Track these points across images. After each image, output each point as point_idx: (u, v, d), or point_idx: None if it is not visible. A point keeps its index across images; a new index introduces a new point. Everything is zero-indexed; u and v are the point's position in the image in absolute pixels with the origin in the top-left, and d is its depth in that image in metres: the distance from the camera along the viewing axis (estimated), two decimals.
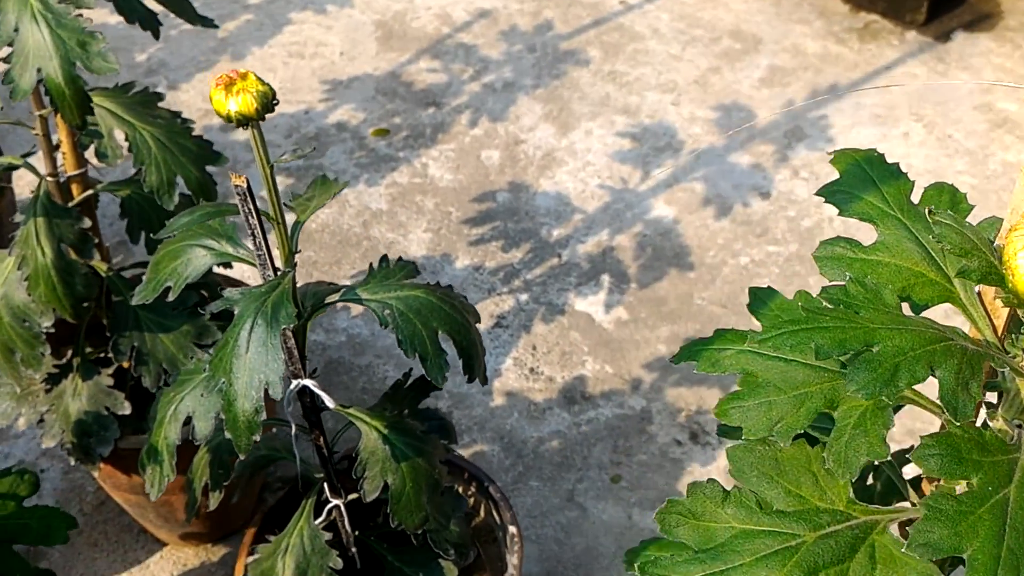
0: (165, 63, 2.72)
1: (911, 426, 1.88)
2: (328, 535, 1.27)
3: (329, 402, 1.17)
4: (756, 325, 2.03)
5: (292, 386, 1.17)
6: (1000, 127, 2.47)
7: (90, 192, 1.49)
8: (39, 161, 1.47)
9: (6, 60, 1.21)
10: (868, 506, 0.67)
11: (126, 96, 1.41)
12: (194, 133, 1.45)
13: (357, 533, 1.37)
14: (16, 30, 1.18)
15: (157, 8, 1.39)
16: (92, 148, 1.44)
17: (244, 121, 0.95)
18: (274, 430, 1.46)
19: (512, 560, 1.45)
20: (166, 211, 1.45)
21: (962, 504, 0.60)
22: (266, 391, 1.02)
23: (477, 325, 1.21)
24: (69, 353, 1.59)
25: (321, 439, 1.25)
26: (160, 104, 1.47)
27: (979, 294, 0.70)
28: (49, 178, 1.46)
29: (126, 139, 1.39)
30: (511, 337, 2.09)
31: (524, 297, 2.16)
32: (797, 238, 2.25)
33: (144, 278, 1.15)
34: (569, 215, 2.31)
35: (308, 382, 1.17)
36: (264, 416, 1.03)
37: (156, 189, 1.37)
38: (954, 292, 0.69)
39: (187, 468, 1.32)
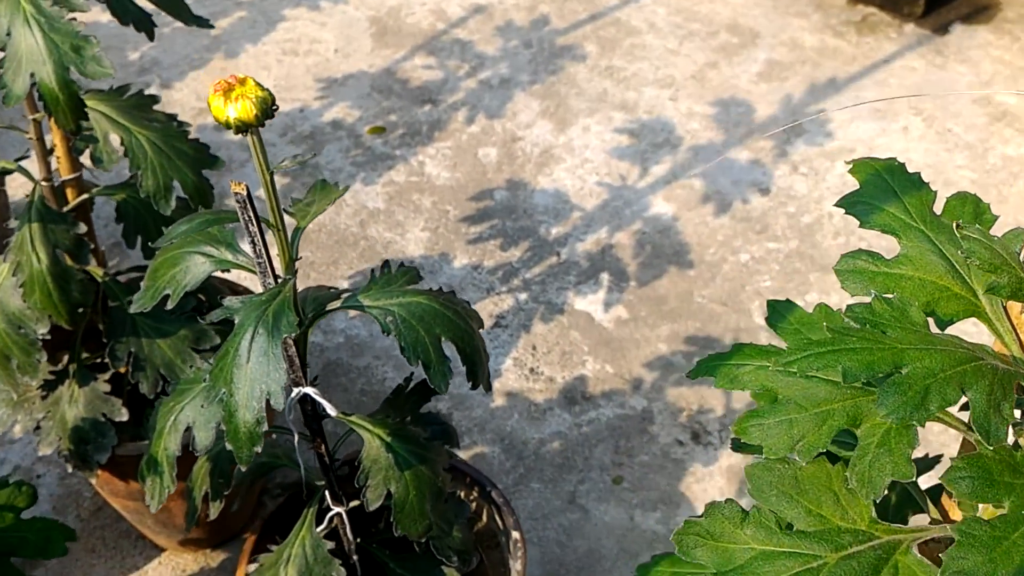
0: (158, 61, 2.69)
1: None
2: (330, 544, 1.26)
3: (331, 410, 1.16)
4: (751, 325, 2.02)
5: (293, 394, 1.15)
6: (1000, 120, 2.46)
7: (85, 196, 1.47)
8: (33, 165, 1.45)
9: None
10: (891, 525, 0.66)
11: (121, 99, 1.39)
12: (184, 124, 1.43)
13: (359, 540, 1.36)
14: (8, 34, 1.16)
15: (150, 7, 1.37)
16: (87, 152, 1.42)
17: (243, 128, 0.93)
18: (274, 436, 1.44)
19: (515, 566, 1.43)
20: (162, 215, 1.43)
21: (995, 529, 0.59)
22: (267, 401, 1.00)
23: (480, 330, 1.20)
24: (65, 359, 1.57)
25: (323, 447, 1.24)
26: (154, 105, 1.45)
27: (1005, 308, 0.69)
28: (43, 182, 1.44)
29: (121, 143, 1.37)
30: (510, 337, 2.07)
31: (523, 296, 2.14)
32: (797, 234, 2.23)
33: (142, 285, 1.13)
34: (568, 213, 2.29)
35: (309, 390, 1.16)
36: (266, 426, 1.01)
37: (153, 194, 1.35)
38: (980, 306, 0.67)
39: (186, 475, 1.30)
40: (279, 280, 1.06)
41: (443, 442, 1.38)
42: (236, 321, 1.01)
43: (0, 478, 1.26)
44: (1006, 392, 0.59)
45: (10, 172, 1.40)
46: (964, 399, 0.61)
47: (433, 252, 2.23)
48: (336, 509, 1.29)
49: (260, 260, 1.03)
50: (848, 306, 0.67)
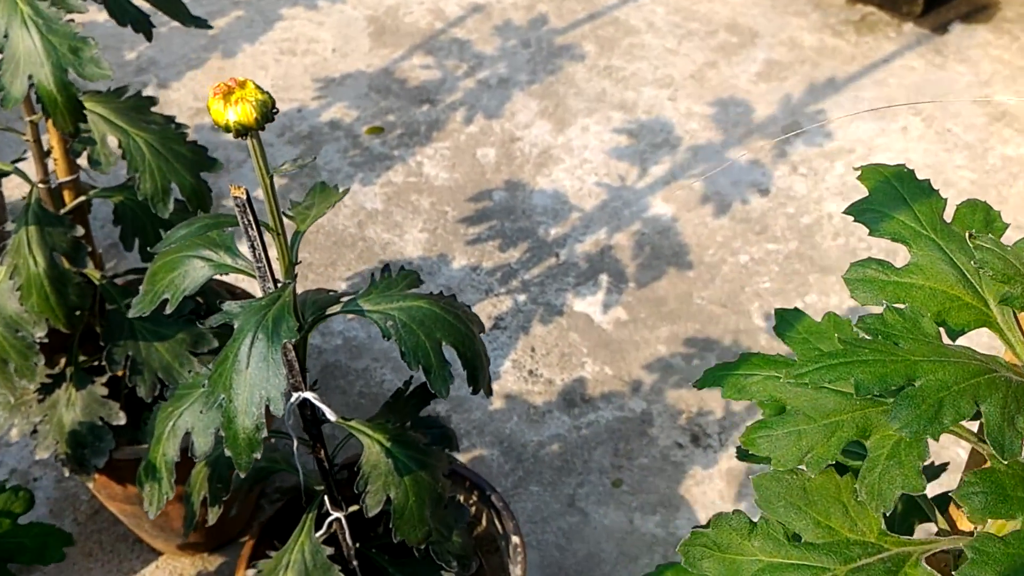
0: (155, 61, 2.68)
1: None
2: (329, 549, 1.25)
3: (331, 415, 1.15)
4: (750, 326, 2.01)
5: (293, 399, 1.14)
6: (999, 120, 2.45)
7: (83, 199, 1.46)
8: (30, 167, 1.44)
9: None
10: (900, 537, 0.65)
11: (119, 101, 1.38)
12: (182, 126, 1.42)
13: (358, 545, 1.35)
14: (6, 36, 1.15)
15: (147, 7, 1.36)
16: (84, 154, 1.41)
17: (243, 131, 0.92)
18: (272, 440, 1.43)
19: (515, 571, 1.43)
20: (160, 218, 1.42)
21: (1009, 546, 0.58)
22: (267, 407, 1.00)
23: (481, 335, 1.19)
24: (63, 362, 1.56)
25: (322, 452, 1.23)
26: (152, 106, 1.44)
27: (1017, 318, 0.68)
28: (40, 185, 1.43)
29: (119, 145, 1.36)
30: (509, 339, 2.06)
31: (522, 298, 2.13)
32: (796, 235, 2.22)
33: (140, 289, 1.13)
34: (566, 214, 2.28)
35: (309, 395, 1.15)
36: (265, 433, 1.00)
37: (151, 197, 1.34)
38: (991, 316, 0.67)
39: (185, 480, 1.30)
40: (279, 284, 1.05)
41: (442, 446, 1.37)
42: (235, 326, 1.00)
43: None
44: (1020, 405, 0.59)
45: (7, 174, 1.39)
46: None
47: (431, 253, 2.22)
48: (335, 514, 1.29)
49: (259, 264, 1.02)
50: (860, 317, 0.66)
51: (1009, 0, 2.79)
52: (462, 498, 1.52)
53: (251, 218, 0.96)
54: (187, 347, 1.47)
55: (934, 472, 0.89)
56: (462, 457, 1.88)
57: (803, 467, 0.66)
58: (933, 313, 0.67)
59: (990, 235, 0.66)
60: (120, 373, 1.52)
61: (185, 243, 1.10)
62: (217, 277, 1.80)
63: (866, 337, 0.64)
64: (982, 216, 0.71)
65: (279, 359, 0.98)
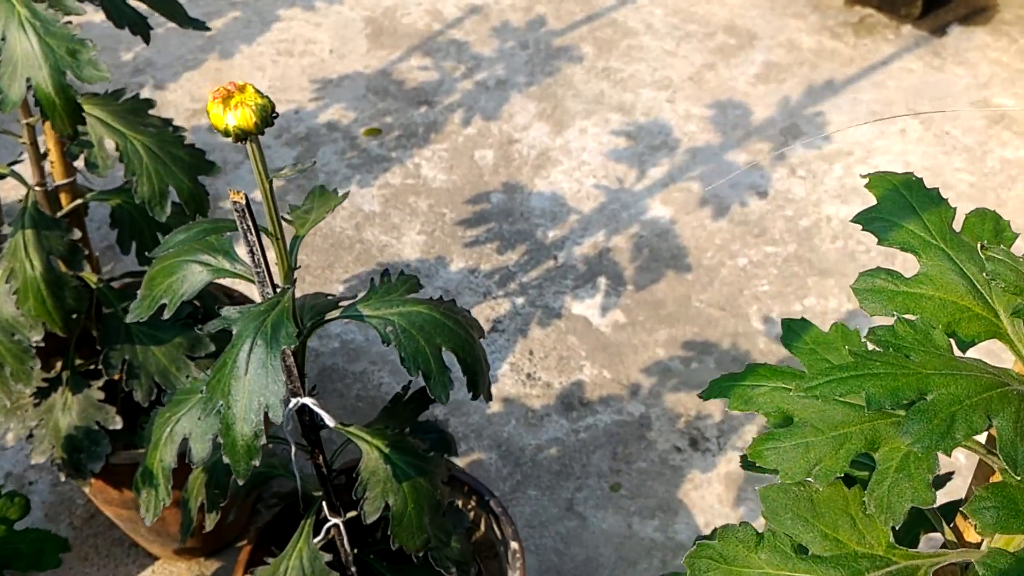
0: (152, 62, 2.67)
1: None
2: (327, 556, 1.24)
3: (329, 421, 1.14)
4: (749, 329, 2.00)
5: (291, 405, 1.13)
6: (998, 123, 2.45)
7: (79, 202, 1.45)
8: (26, 170, 1.43)
9: None
10: (909, 551, 0.65)
11: (116, 104, 1.37)
12: (180, 129, 1.41)
13: (356, 551, 1.34)
14: (3, 39, 1.14)
15: (144, 9, 1.35)
16: (81, 158, 1.40)
17: (243, 136, 0.91)
18: (270, 446, 1.43)
19: None
20: (158, 221, 1.41)
21: (1021, 562, 0.57)
22: (265, 414, 0.99)
23: (481, 340, 1.18)
24: (59, 365, 1.55)
25: (321, 458, 1.22)
26: (150, 109, 1.44)
27: None
28: (37, 187, 1.42)
29: (116, 148, 1.35)
30: (507, 342, 2.06)
31: (520, 300, 2.12)
32: (795, 238, 2.22)
33: (138, 294, 1.12)
34: (564, 216, 2.28)
35: (308, 400, 1.14)
36: (264, 440, 0.99)
37: (148, 200, 1.33)
38: (1001, 327, 0.66)
39: (182, 484, 1.29)
40: (278, 290, 1.04)
41: (441, 451, 1.37)
42: (234, 332, 0.99)
43: None
44: None
45: (3, 177, 1.38)
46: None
47: (429, 255, 2.21)
48: (334, 520, 1.28)
49: (259, 270, 1.01)
50: (870, 329, 0.65)
51: (1007, 2, 2.78)
52: (460, 503, 1.51)
53: (250, 223, 0.96)
54: (184, 351, 1.46)
55: (940, 481, 0.88)
56: (460, 461, 1.87)
57: (812, 480, 0.65)
58: (943, 324, 0.66)
59: (1002, 246, 0.65)
60: (117, 377, 1.51)
61: (183, 248, 1.09)
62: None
63: (877, 349, 0.63)
64: (991, 225, 0.70)
65: (278, 365, 0.98)
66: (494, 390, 1.98)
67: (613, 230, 2.25)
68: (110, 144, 1.37)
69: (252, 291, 1.85)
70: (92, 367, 1.56)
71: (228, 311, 1.01)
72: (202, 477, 1.23)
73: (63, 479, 1.51)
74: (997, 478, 0.66)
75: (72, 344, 1.52)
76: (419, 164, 2.40)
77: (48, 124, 1.31)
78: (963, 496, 0.77)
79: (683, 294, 2.13)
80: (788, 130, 2.45)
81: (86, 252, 1.45)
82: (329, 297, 1.25)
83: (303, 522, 1.25)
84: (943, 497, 0.82)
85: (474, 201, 2.31)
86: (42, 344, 1.42)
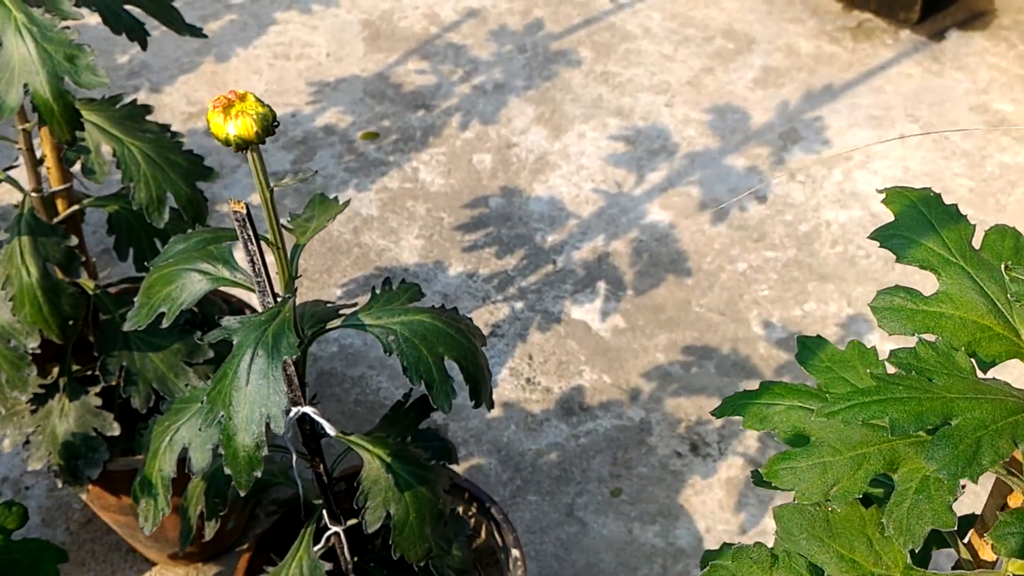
0: (147, 65, 2.66)
1: None
2: (328, 565, 1.23)
3: (330, 430, 1.13)
4: (749, 334, 2.00)
5: (292, 414, 1.13)
6: (997, 128, 2.45)
7: (76, 208, 1.44)
8: (22, 176, 1.42)
9: None
10: (927, 572, 0.64)
11: (113, 109, 1.36)
12: (178, 134, 1.40)
13: (356, 559, 1.33)
14: (0, 44, 1.13)
15: (139, 13, 1.35)
16: (78, 163, 1.39)
17: (244, 145, 0.90)
18: (270, 453, 1.42)
19: None
20: (155, 227, 1.40)
21: None
22: (267, 423, 0.98)
23: (483, 348, 1.17)
24: (56, 371, 1.54)
25: (321, 466, 1.21)
26: (147, 115, 1.43)
27: None
28: (33, 193, 1.41)
29: (113, 154, 1.34)
30: (507, 346, 2.05)
31: (519, 305, 2.12)
32: (795, 243, 2.21)
33: (136, 302, 1.11)
34: (563, 220, 2.27)
35: (308, 409, 1.13)
36: (266, 451, 0.98)
37: (146, 207, 1.32)
38: (1022, 347, 0.65)
39: (181, 491, 1.28)
40: (278, 299, 1.03)
41: (442, 459, 1.36)
42: (235, 342, 0.98)
43: None
44: None
45: None
46: None
47: (428, 260, 2.20)
48: (334, 528, 1.27)
49: (259, 279, 1.00)
50: (892, 352, 0.64)
51: (1005, 7, 2.78)
52: (461, 510, 1.50)
53: (251, 233, 0.95)
54: (182, 357, 1.45)
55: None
56: (459, 466, 1.86)
57: (830, 502, 0.64)
58: (963, 344, 0.65)
59: None
60: (114, 383, 1.50)
61: (182, 256, 1.08)
62: None
63: (898, 372, 0.62)
64: (1012, 243, 0.69)
65: (279, 375, 0.97)
66: (493, 395, 1.97)
67: (612, 235, 2.24)
68: (107, 150, 1.36)
69: (250, 296, 1.84)
70: (89, 373, 1.55)
71: (228, 321, 1.00)
72: (201, 485, 1.22)
73: (60, 486, 1.50)
74: (1017, 499, 0.65)
75: (69, 350, 1.51)
76: (417, 168, 2.39)
77: (45, 129, 1.30)
78: (974, 510, 0.76)
79: (683, 299, 2.12)
80: (787, 135, 2.44)
81: (83, 259, 1.44)
82: (329, 305, 1.25)
83: (303, 530, 1.24)
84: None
85: (472, 205, 2.30)
86: (39, 350, 1.41)
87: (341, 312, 1.18)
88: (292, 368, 1.09)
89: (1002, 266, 0.64)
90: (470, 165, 2.39)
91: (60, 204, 1.44)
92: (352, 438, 1.16)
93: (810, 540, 0.66)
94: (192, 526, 1.25)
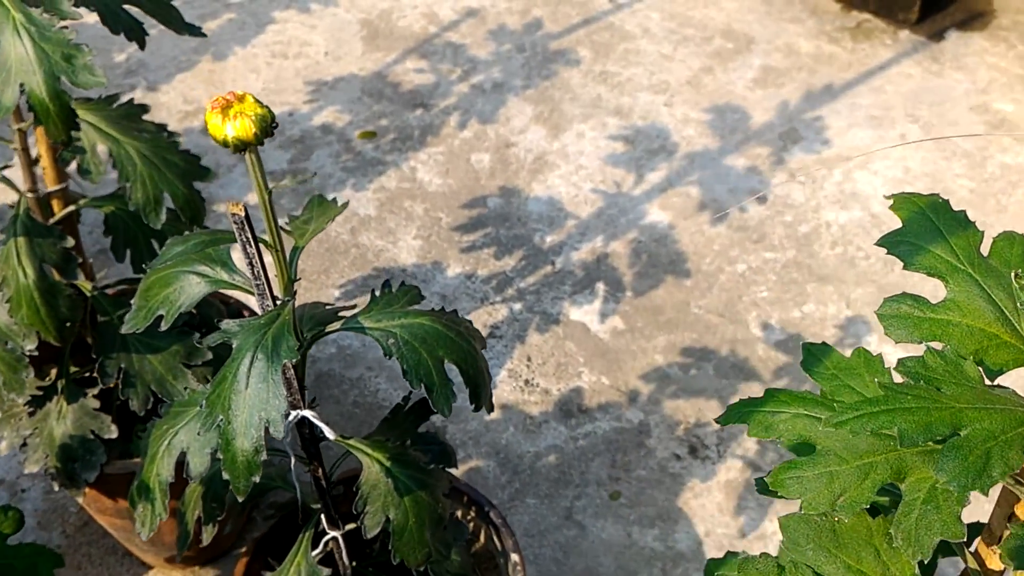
0: (144, 63, 2.64)
1: None
2: (326, 570, 1.22)
3: (330, 434, 1.12)
4: (748, 336, 1.99)
5: (291, 417, 1.12)
6: (998, 128, 2.44)
7: (72, 208, 1.42)
8: (17, 176, 1.41)
9: None
10: None
11: (110, 109, 1.35)
12: (174, 134, 1.39)
13: (354, 564, 1.32)
14: None
15: (136, 11, 1.34)
16: (74, 163, 1.38)
17: (242, 147, 0.89)
18: (268, 457, 1.41)
19: None
20: (152, 228, 1.39)
21: None
22: (265, 428, 0.97)
23: (483, 351, 1.16)
24: (53, 373, 1.53)
25: (320, 470, 1.20)
26: (144, 114, 1.42)
27: None
28: (29, 194, 1.40)
29: (110, 154, 1.33)
30: (505, 348, 2.04)
31: (518, 306, 2.11)
32: (794, 244, 2.21)
33: (133, 304, 1.10)
34: (562, 221, 2.26)
35: (308, 413, 1.12)
36: (265, 455, 0.97)
37: (142, 207, 1.31)
38: None
39: (178, 496, 1.27)
40: (277, 302, 1.02)
41: (441, 463, 1.35)
42: (234, 346, 0.97)
43: None
44: None
45: None
46: None
47: (426, 260, 2.19)
48: (332, 533, 1.26)
49: (258, 282, 0.99)
50: (900, 360, 0.64)
51: (1004, 8, 2.78)
52: (460, 514, 1.49)
53: (250, 236, 0.94)
54: (181, 359, 1.44)
55: None
56: (458, 469, 1.85)
57: (836, 511, 0.63)
58: (971, 352, 0.64)
59: None
60: (112, 385, 1.49)
61: (180, 258, 1.07)
62: None
63: (905, 381, 0.61)
64: (1020, 250, 0.69)
65: (279, 379, 0.96)
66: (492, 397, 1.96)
67: (611, 235, 2.23)
68: (103, 150, 1.35)
69: (248, 297, 1.83)
70: (87, 374, 1.54)
71: (227, 324, 0.99)
72: (199, 490, 1.21)
73: (57, 489, 1.49)
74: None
75: (67, 352, 1.50)
76: (415, 168, 2.38)
77: (40, 129, 1.29)
78: (980, 517, 0.75)
79: (682, 300, 2.11)
80: (787, 135, 2.43)
81: (80, 260, 1.43)
82: (328, 307, 1.24)
83: (301, 535, 1.23)
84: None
85: (470, 205, 2.30)
86: (36, 352, 1.40)
87: (340, 314, 1.17)
88: (291, 371, 1.08)
89: (1012, 274, 0.63)
90: (468, 165, 2.38)
91: (56, 205, 1.43)
92: (351, 442, 1.15)
93: (817, 550, 0.65)
94: (189, 531, 1.24)
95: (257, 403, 0.95)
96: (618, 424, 1.92)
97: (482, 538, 1.49)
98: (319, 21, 2.77)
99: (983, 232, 0.72)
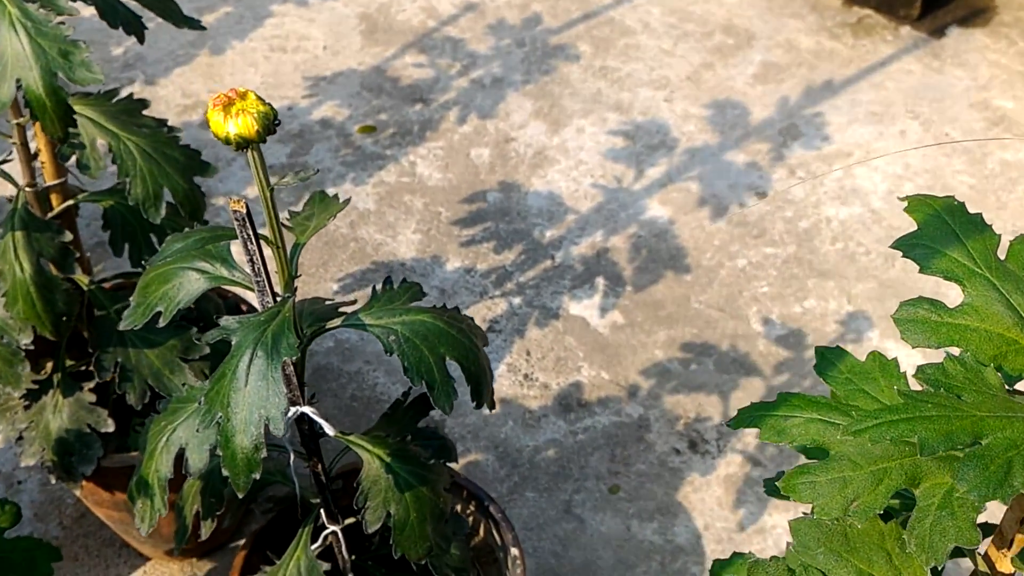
0: (142, 57, 2.64)
1: None
2: (326, 564, 1.22)
3: (329, 430, 1.12)
4: (748, 331, 1.98)
5: (290, 413, 1.11)
6: (998, 125, 2.43)
7: (70, 203, 1.42)
8: (16, 170, 1.40)
9: None
10: None
11: (109, 104, 1.34)
12: (174, 129, 1.38)
13: (354, 558, 1.32)
14: None
15: (135, 5, 1.33)
16: (73, 158, 1.37)
17: (244, 144, 0.89)
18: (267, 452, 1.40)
19: None
20: (151, 223, 1.39)
21: None
22: (266, 426, 0.97)
23: (484, 347, 1.16)
24: (49, 367, 1.53)
25: (319, 466, 1.20)
26: (143, 109, 1.41)
27: None
28: (27, 188, 1.39)
29: (109, 149, 1.32)
30: (504, 342, 2.04)
31: (517, 300, 2.10)
32: (795, 239, 2.20)
33: (132, 300, 1.09)
34: (562, 215, 2.26)
35: (307, 409, 1.12)
36: (264, 453, 0.97)
37: (142, 202, 1.31)
38: None
39: (177, 489, 1.26)
40: (278, 299, 1.02)
41: (441, 458, 1.35)
42: (233, 342, 0.97)
43: None
44: None
45: None
46: None
47: (425, 255, 2.19)
48: (332, 528, 1.26)
49: (259, 279, 0.99)
50: (919, 367, 0.63)
51: (1006, 4, 2.77)
52: (459, 508, 1.49)
53: (251, 232, 0.93)
54: (178, 353, 1.44)
55: None
56: (457, 463, 1.85)
57: (849, 517, 0.63)
58: (989, 357, 0.63)
59: None
60: (109, 379, 1.48)
61: (180, 254, 1.07)
62: None
63: (925, 388, 0.60)
64: None
65: (279, 376, 0.95)
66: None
67: (611, 230, 2.23)
68: (102, 144, 1.34)
69: (247, 291, 1.83)
70: (84, 369, 1.53)
71: (227, 321, 0.99)
72: (198, 485, 1.21)
73: (54, 482, 1.48)
74: None
75: (63, 346, 1.49)
76: (414, 162, 2.37)
77: (39, 126, 1.28)
78: (987, 518, 0.75)
79: (682, 295, 2.11)
80: (787, 131, 2.43)
81: (77, 254, 1.43)
82: (327, 302, 1.23)
83: (301, 530, 1.23)
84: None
85: (470, 200, 2.29)
86: (32, 346, 1.40)
87: (340, 310, 1.17)
88: (291, 368, 1.08)
89: None
90: (468, 159, 2.37)
91: (54, 199, 1.42)
92: (351, 438, 1.15)
93: (828, 554, 0.64)
94: (188, 525, 1.23)
95: (257, 400, 0.95)
96: (618, 418, 1.92)
97: (481, 532, 1.49)
98: (317, 15, 2.76)
99: (1000, 236, 0.71)
